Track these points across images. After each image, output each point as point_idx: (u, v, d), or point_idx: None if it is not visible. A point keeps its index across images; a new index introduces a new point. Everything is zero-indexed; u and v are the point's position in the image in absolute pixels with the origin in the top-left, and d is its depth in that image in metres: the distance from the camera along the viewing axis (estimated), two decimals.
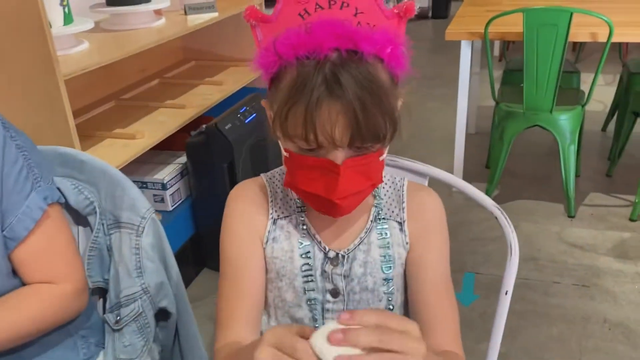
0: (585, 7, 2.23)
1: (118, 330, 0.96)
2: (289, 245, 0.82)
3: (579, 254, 2.25)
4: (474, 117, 3.31)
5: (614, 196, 2.65)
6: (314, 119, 0.66)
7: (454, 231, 0.86)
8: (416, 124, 3.50)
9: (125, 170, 1.91)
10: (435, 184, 1.00)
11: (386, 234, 0.83)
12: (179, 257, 2.17)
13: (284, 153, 0.74)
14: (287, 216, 0.84)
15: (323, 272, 0.81)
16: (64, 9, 1.73)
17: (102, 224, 0.99)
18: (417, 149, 3.15)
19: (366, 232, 0.83)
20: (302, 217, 0.83)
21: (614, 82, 4.01)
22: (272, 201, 0.84)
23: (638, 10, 2.75)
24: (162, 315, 1.02)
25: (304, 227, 0.83)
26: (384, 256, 0.82)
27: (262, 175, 0.88)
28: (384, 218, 0.84)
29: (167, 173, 2.06)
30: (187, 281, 2.12)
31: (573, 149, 2.42)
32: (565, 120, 2.39)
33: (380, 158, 0.74)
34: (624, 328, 1.86)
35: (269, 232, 0.83)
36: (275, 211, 0.84)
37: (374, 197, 0.85)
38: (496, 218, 0.92)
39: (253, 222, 0.83)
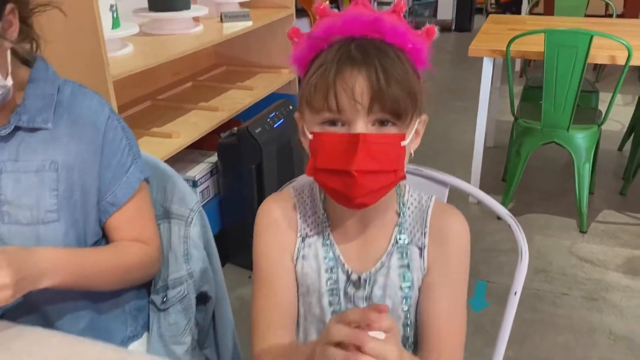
0: (606, 31, 2.31)
1: (164, 310, 1.07)
2: (317, 264, 0.86)
3: (589, 268, 2.33)
4: (492, 131, 3.39)
5: (627, 214, 2.71)
6: (336, 81, 0.72)
7: None
8: (435, 135, 3.60)
9: None
10: (453, 192, 1.09)
11: (406, 255, 0.86)
12: None
13: (309, 136, 0.77)
14: (316, 234, 0.87)
15: (345, 293, 0.86)
16: (112, 14, 1.86)
17: None
18: (436, 161, 3.24)
19: (387, 256, 0.86)
20: (328, 235, 0.86)
21: (632, 102, 4.05)
22: (301, 218, 0.88)
23: None
24: (201, 299, 1.13)
25: (329, 246, 0.86)
26: (403, 276, 0.85)
27: (290, 188, 0.92)
28: (405, 243, 0.86)
29: (198, 171, 2.18)
30: None
31: (588, 166, 2.50)
32: (581, 139, 2.46)
33: (402, 143, 0.75)
34: (628, 341, 1.93)
35: (298, 249, 0.87)
36: (304, 228, 0.87)
37: (398, 214, 0.87)
38: (509, 226, 1.01)
39: (283, 239, 0.87)
